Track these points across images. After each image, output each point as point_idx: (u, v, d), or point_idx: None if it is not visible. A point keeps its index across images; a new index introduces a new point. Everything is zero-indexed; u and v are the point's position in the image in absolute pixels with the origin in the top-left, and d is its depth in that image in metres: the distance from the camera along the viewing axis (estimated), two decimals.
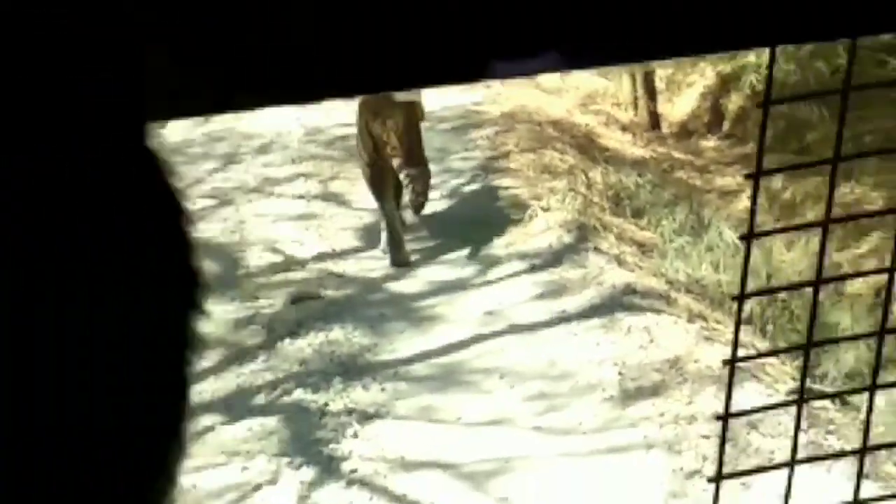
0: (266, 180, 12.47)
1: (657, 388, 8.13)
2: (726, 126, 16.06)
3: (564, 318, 9.06)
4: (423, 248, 10.62)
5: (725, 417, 1.43)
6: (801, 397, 1.51)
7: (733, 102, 16.12)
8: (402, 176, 10.61)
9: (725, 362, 1.39)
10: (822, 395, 8.75)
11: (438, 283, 9.90)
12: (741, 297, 1.37)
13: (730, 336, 8.24)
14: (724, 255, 11.04)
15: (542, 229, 10.72)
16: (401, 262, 10.33)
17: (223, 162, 13.22)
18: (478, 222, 11.10)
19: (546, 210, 10.95)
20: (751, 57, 16.36)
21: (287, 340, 8.92)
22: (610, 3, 0.85)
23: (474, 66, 0.83)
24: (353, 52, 0.81)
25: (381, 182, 10.52)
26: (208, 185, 12.52)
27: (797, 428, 1.49)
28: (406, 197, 10.78)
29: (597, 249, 10.19)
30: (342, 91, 0.84)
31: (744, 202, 13.63)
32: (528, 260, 10.16)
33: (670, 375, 8.27)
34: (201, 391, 8.51)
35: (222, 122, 14.36)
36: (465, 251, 10.47)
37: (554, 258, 10.11)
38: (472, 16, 0.82)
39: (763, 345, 9.06)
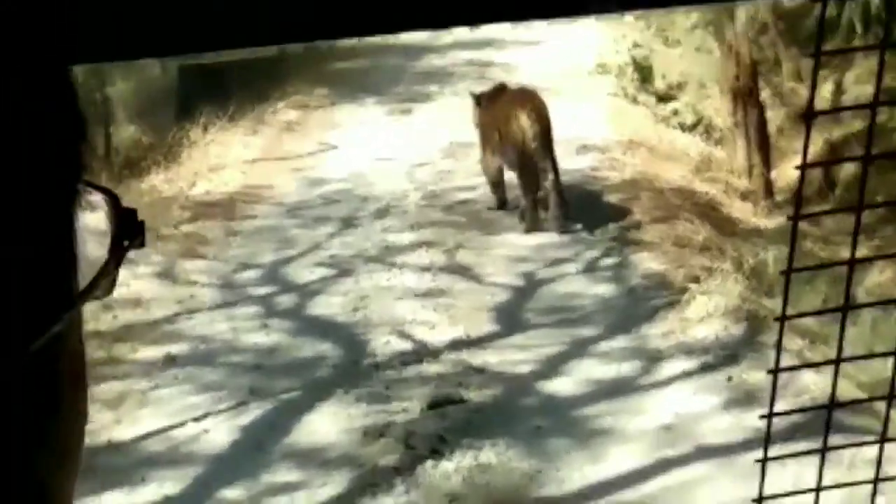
0: (387, 248, 9.51)
1: None
2: (838, 193, 13.01)
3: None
4: (569, 335, 7.63)
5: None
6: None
7: (845, 170, 13.05)
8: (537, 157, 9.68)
9: (776, 319, 1.17)
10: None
11: (596, 382, 6.88)
12: (788, 272, 1.12)
13: None
14: None
15: (701, 316, 7.70)
16: (533, 230, 9.62)
17: (341, 226, 10.27)
18: (625, 306, 8.11)
19: (704, 294, 7.93)
20: (857, 123, 13.40)
21: (429, 463, 5.91)
22: None
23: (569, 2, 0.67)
24: None
25: (526, 168, 9.71)
26: (327, 252, 9.58)
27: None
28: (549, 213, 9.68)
29: (775, 345, 7.14)
30: (445, 23, 0.66)
31: (876, 276, 10.60)
32: (696, 356, 7.12)
33: None
34: None
35: (339, 185, 11.46)
36: (619, 341, 7.47)
37: (728, 355, 7.08)
38: None
39: None
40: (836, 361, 1.29)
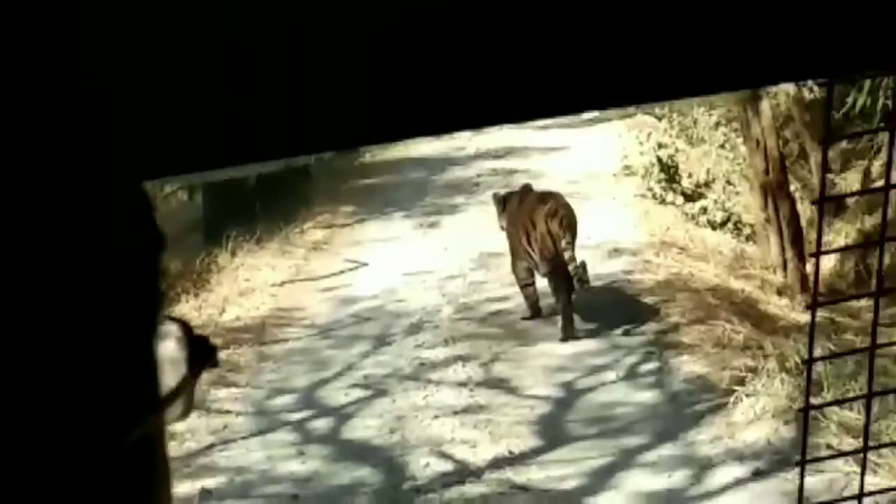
0: (422, 366, 9.27)
1: None
2: (874, 283, 12.71)
3: None
4: (614, 445, 7.33)
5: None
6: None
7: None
8: (570, 264, 9.38)
9: (800, 410, 1.19)
10: None
11: (647, 495, 6.58)
12: (809, 362, 1.20)
13: None
14: None
15: (749, 419, 7.41)
16: (569, 338, 9.32)
17: (374, 345, 10.04)
18: (669, 412, 7.82)
19: (750, 396, 7.64)
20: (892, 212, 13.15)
21: None
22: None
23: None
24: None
25: (557, 274, 9.47)
26: (360, 372, 9.34)
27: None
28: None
29: (828, 446, 6.83)
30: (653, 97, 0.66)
31: None
32: (747, 461, 6.82)
33: None
34: None
35: (370, 302, 11.26)
36: (666, 450, 7.17)
37: (780, 459, 6.77)
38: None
39: None
40: (864, 450, 1.36)
